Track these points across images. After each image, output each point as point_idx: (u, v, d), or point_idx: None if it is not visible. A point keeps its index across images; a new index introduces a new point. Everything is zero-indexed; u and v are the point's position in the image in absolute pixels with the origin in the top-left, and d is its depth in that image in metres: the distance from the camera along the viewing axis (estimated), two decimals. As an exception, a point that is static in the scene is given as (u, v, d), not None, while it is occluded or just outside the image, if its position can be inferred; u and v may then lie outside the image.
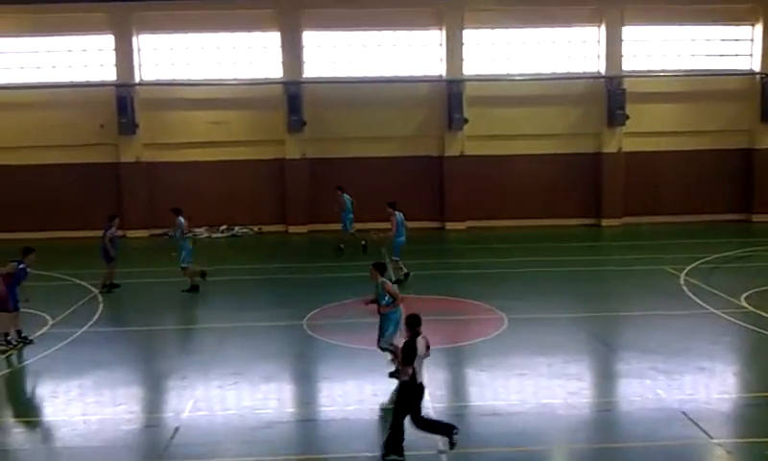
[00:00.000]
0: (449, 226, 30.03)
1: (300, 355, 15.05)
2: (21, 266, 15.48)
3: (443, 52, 29.65)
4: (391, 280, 18.31)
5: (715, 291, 18.66)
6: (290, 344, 15.67)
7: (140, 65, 29.58)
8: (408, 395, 9.97)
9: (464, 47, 29.57)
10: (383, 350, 13.08)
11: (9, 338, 15.27)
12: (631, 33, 29.87)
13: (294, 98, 29.05)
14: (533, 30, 29.82)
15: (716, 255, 23.03)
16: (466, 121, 29.20)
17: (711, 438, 10.67)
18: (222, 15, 29.07)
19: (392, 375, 12.65)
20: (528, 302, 18.11)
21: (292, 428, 11.61)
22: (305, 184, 29.47)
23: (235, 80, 29.58)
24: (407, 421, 9.99)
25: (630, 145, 30.09)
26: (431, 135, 30.13)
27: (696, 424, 11.03)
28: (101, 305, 18.80)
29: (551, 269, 22.14)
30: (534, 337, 15.53)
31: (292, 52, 29.44)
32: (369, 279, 13.22)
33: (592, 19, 29.78)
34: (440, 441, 10.21)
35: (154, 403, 13.00)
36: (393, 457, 9.96)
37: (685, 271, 20.89)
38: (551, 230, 29.17)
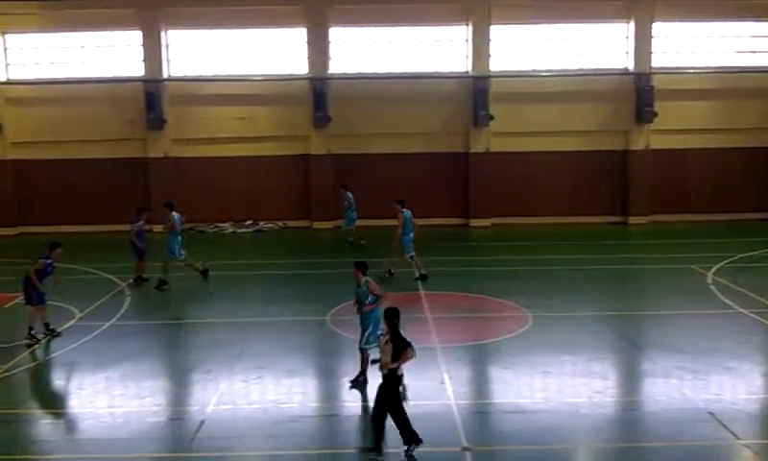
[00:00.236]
0: (474, 223, 29.92)
1: (323, 350, 15.12)
2: (48, 261, 15.70)
3: (469, 48, 29.53)
4: (383, 277, 18.23)
5: (743, 290, 18.42)
6: (314, 339, 15.75)
7: (168, 61, 29.82)
8: (395, 385, 10.02)
9: (490, 43, 29.42)
10: (361, 350, 12.74)
11: (33, 332, 15.47)
12: (660, 29, 29.54)
13: (319, 94, 29.12)
14: (560, 25, 29.59)
15: (744, 254, 22.72)
16: (491, 118, 29.06)
17: (739, 439, 10.54)
18: (249, 11, 29.19)
19: (375, 361, 12.54)
20: (553, 299, 18.00)
21: (316, 423, 11.68)
22: (330, 180, 29.52)
23: (262, 76, 29.68)
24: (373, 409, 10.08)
25: (658, 142, 29.76)
26: (456, 132, 30.04)
27: (723, 425, 10.91)
28: (128, 299, 19.01)
29: (577, 267, 21.99)
30: (558, 335, 15.43)
31: (318, 48, 29.50)
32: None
33: (621, 15, 29.47)
34: (463, 437, 10.20)
35: (179, 396, 13.14)
36: (413, 446, 9.97)
37: (713, 270, 20.66)
38: (577, 227, 28.95)
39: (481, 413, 11.62)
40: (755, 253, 23.11)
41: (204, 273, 20.78)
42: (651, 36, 29.43)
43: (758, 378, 13.39)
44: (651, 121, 29.22)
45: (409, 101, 29.39)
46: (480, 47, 29.34)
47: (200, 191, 29.90)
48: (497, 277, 20.97)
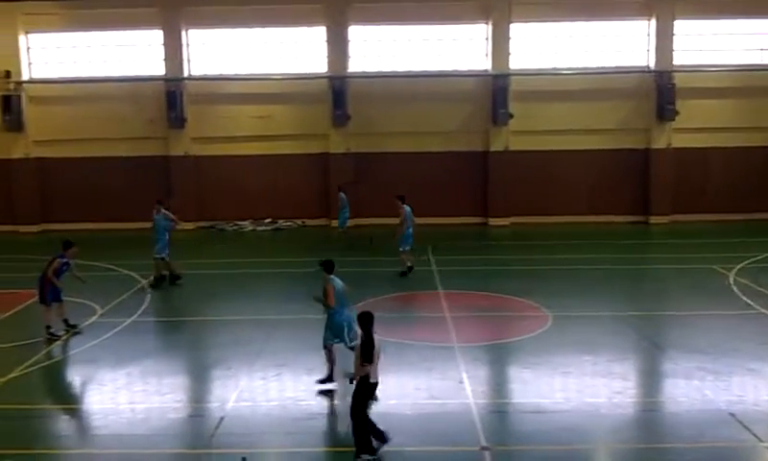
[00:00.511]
0: (492, 221, 29.83)
1: (342, 349, 14.98)
2: (63, 260, 15.83)
3: (489, 46, 29.45)
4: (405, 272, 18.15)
5: (765, 291, 18.22)
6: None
7: (189, 60, 30.00)
8: (364, 393, 9.96)
9: (510, 41, 29.33)
10: (325, 348, 12.75)
11: (52, 330, 15.59)
12: (682, 26, 29.29)
13: (339, 93, 29.17)
14: (581, 23, 29.43)
15: (766, 255, 22.50)
16: (511, 116, 28.96)
17: (761, 441, 10.44)
18: (269, 10, 29.31)
19: (320, 382, 12.58)
20: (573, 299, 17.92)
21: (334, 420, 11.73)
22: (349, 179, 29.52)
23: (281, 75, 29.78)
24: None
25: (679, 141, 29.52)
26: (476, 131, 29.95)
27: (745, 427, 10.81)
28: (149, 296, 19.14)
29: (597, 267, 21.88)
30: (578, 335, 15.36)
31: (337, 47, 29.55)
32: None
33: (642, 12, 29.27)
34: (482, 436, 10.18)
35: (199, 393, 13.22)
36: (366, 457, 9.89)
37: (735, 270, 20.47)
38: (597, 227, 28.78)
39: (500, 413, 11.58)
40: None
41: (174, 279, 20.38)
42: (672, 34, 29.21)
43: (781, 380, 13.28)
44: (673, 119, 28.98)
45: (428, 99, 29.37)
46: (500, 45, 29.24)
47: (220, 189, 30.11)
48: (516, 276, 20.90)
